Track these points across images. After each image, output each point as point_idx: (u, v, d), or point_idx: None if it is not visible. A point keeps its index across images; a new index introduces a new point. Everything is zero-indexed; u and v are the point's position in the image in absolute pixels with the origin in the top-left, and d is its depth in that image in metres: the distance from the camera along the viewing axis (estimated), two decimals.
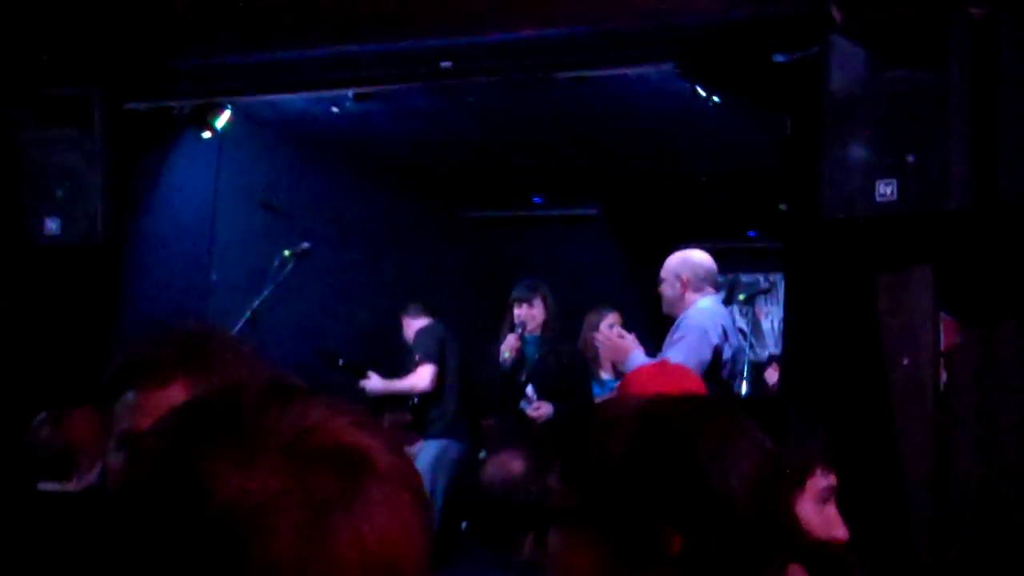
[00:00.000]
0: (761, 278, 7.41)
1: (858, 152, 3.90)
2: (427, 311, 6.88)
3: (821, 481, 1.93)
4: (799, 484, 1.89)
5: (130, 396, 1.66)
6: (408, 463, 0.89)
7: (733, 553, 1.33)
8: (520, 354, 6.01)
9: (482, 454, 5.78)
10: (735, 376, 5.32)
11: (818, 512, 1.92)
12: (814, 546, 1.94)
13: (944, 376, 4.09)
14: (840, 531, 1.94)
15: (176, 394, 1.62)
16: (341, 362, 6.58)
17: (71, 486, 3.70)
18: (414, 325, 6.82)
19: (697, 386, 3.50)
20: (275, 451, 0.82)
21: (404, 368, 6.68)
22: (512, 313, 6.10)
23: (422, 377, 6.56)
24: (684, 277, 5.23)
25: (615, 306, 6.56)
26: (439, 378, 6.57)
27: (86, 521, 3.53)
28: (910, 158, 3.81)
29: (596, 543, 1.35)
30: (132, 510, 0.84)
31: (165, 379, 1.64)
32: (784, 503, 1.42)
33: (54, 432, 3.73)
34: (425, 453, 6.46)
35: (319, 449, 0.83)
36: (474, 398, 6.54)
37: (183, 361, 1.66)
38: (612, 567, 1.34)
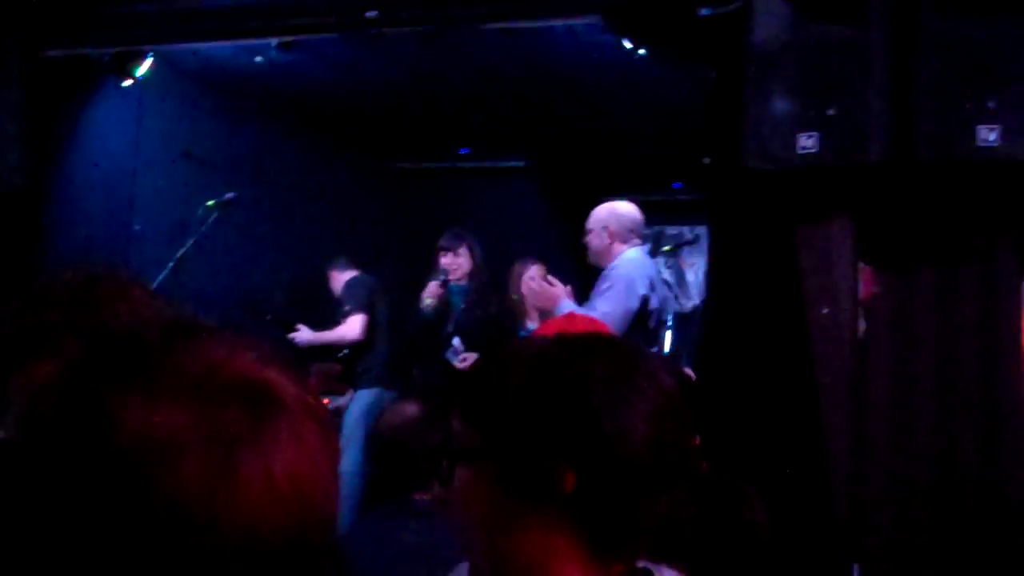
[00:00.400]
0: (686, 230, 7.48)
1: (780, 105, 3.93)
2: (354, 264, 6.86)
3: None
4: None
5: (22, 377, 1.49)
6: (315, 396, 0.89)
7: (626, 492, 1.34)
8: (446, 304, 6.03)
9: None
10: (661, 327, 5.40)
11: None
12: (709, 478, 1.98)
13: (863, 324, 4.17)
14: None
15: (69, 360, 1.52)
16: (269, 317, 6.55)
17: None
18: (341, 278, 6.79)
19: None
20: (181, 386, 0.81)
21: (332, 320, 6.66)
22: (438, 262, 6.11)
23: (352, 327, 6.54)
24: (611, 228, 5.29)
25: (541, 258, 6.59)
26: (369, 328, 6.56)
27: None
28: (831, 111, 3.85)
29: (494, 480, 1.36)
30: (34, 446, 0.82)
31: (54, 347, 1.44)
32: (681, 441, 1.40)
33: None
34: (356, 403, 6.46)
35: (225, 384, 0.83)
36: (403, 348, 6.55)
37: (72, 321, 1.51)
38: (510, 504, 1.35)
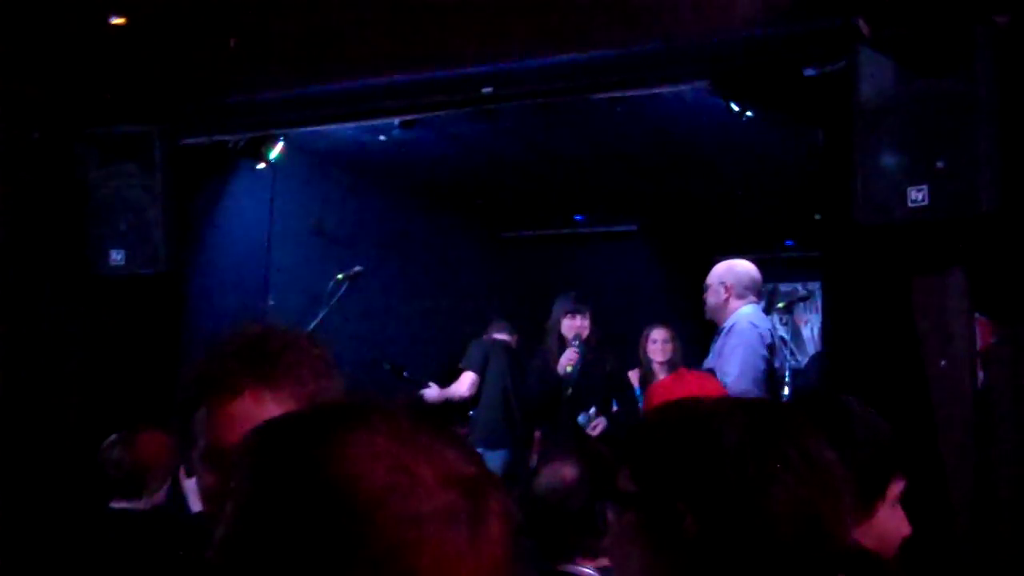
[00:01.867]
0: (799, 287, 7.49)
1: (889, 160, 3.98)
2: (508, 327, 7.07)
3: (896, 488, 1.93)
4: (880, 494, 1.89)
5: (203, 412, 1.67)
6: (502, 484, 0.99)
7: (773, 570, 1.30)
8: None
9: (533, 463, 5.91)
10: (779, 383, 5.44)
11: (892, 515, 1.92)
12: (861, 559, 1.85)
13: (981, 375, 4.15)
14: (907, 529, 1.94)
15: (248, 401, 1.65)
16: (406, 374, 6.82)
17: (141, 504, 3.87)
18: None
19: (716, 389, 3.66)
20: (431, 466, 0.91)
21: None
22: (562, 325, 6.24)
23: (461, 384, 6.79)
24: (728, 284, 5.35)
25: (663, 321, 6.70)
26: (478, 387, 6.75)
27: (155, 537, 3.69)
28: (940, 164, 3.87)
29: (636, 527, 1.38)
30: (258, 492, 0.90)
31: (234, 389, 1.66)
32: (833, 524, 1.33)
33: (125, 453, 3.87)
34: None
35: (457, 474, 0.93)
36: (521, 409, 6.68)
37: (249, 368, 1.68)
38: (645, 549, 1.36)
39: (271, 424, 0.98)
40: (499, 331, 7.05)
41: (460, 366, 6.83)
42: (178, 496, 3.79)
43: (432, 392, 6.85)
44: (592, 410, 5.99)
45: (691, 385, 3.55)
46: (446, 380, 6.94)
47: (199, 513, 3.73)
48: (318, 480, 0.88)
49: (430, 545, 0.87)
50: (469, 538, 0.90)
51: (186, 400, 1.70)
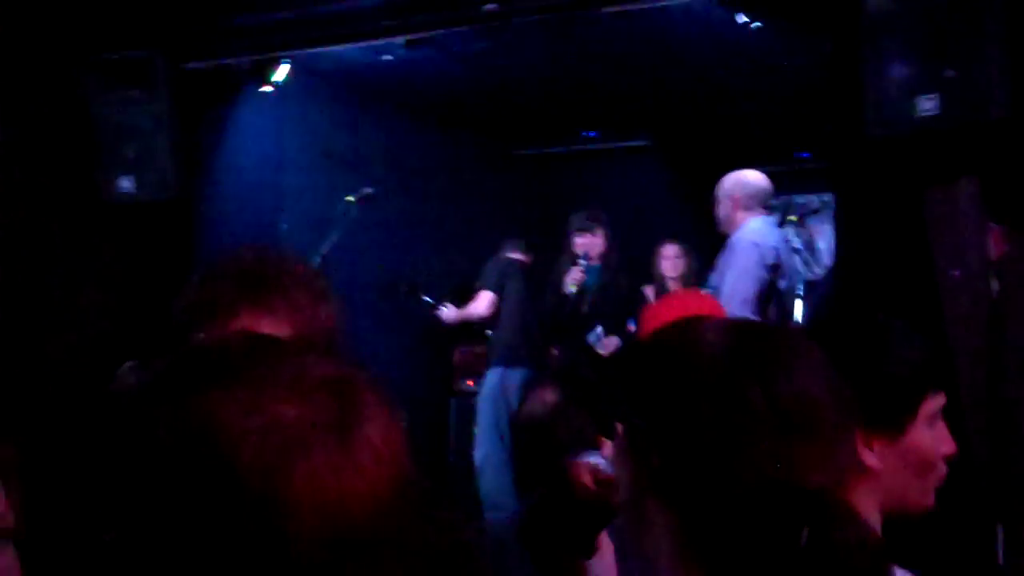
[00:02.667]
0: (815, 198, 7.44)
1: (898, 69, 3.93)
2: (523, 245, 7.08)
3: (932, 404, 1.86)
4: (911, 412, 1.83)
5: (200, 337, 1.67)
6: (381, 385, 0.96)
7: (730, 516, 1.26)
8: (582, 284, 6.17)
9: None
10: (791, 296, 5.42)
11: (928, 433, 1.85)
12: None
13: (996, 284, 4.13)
14: (949, 446, 1.87)
15: (245, 325, 1.66)
16: (424, 297, 6.84)
17: None
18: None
19: (713, 307, 3.65)
20: (282, 389, 0.89)
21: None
22: (573, 243, 6.23)
23: (480, 304, 6.76)
24: (736, 196, 5.32)
25: (673, 236, 6.68)
26: (497, 306, 6.76)
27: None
28: (950, 72, 3.83)
29: (633, 457, 1.33)
30: (151, 471, 0.87)
31: (228, 313, 1.67)
32: (803, 472, 1.25)
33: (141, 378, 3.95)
34: (484, 386, 6.64)
35: (316, 382, 0.90)
36: (537, 328, 6.70)
37: (244, 291, 1.70)
38: (640, 478, 1.32)
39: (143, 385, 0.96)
40: (514, 250, 7.04)
41: (477, 285, 6.83)
42: None
43: (450, 313, 6.87)
44: (599, 329, 5.99)
45: (677, 308, 3.54)
46: (463, 299, 6.96)
47: None
48: (181, 444, 0.87)
49: (297, 467, 0.85)
50: (338, 442, 0.87)
51: (181, 324, 1.71)
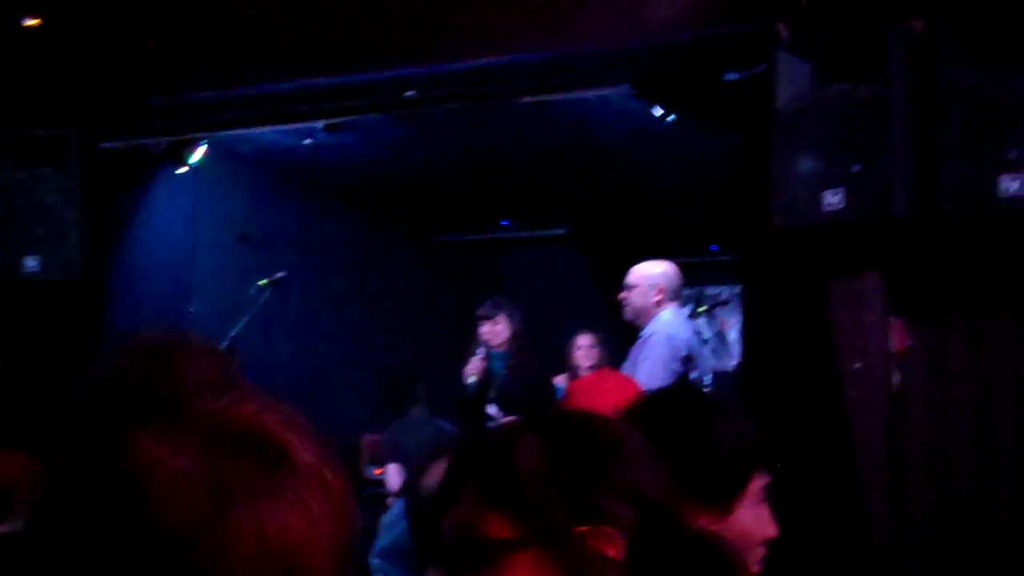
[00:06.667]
0: (725, 291, 7.56)
1: (806, 164, 4.00)
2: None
3: (759, 483, 1.91)
4: (740, 490, 1.88)
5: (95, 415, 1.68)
6: (331, 466, 0.89)
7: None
8: (487, 374, 6.12)
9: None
10: (700, 387, 5.45)
11: (754, 513, 1.91)
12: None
13: (897, 377, 4.19)
14: (772, 530, 1.92)
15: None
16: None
17: (3, 528, 3.79)
18: None
19: (633, 394, 3.67)
20: (197, 432, 0.84)
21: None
22: (478, 331, 6.21)
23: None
24: (660, 287, 5.35)
25: (589, 325, 6.70)
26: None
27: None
28: (856, 168, 3.90)
29: (539, 565, 1.31)
30: (59, 476, 0.88)
31: (128, 392, 1.59)
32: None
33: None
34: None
35: (239, 437, 0.85)
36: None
37: (143, 371, 1.66)
38: None
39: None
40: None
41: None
42: None
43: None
44: (492, 410, 5.94)
45: (609, 385, 3.57)
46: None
47: None
48: (95, 485, 0.85)
49: (162, 510, 0.81)
50: (215, 509, 0.82)
51: (82, 403, 1.71)
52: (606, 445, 1.37)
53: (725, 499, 1.85)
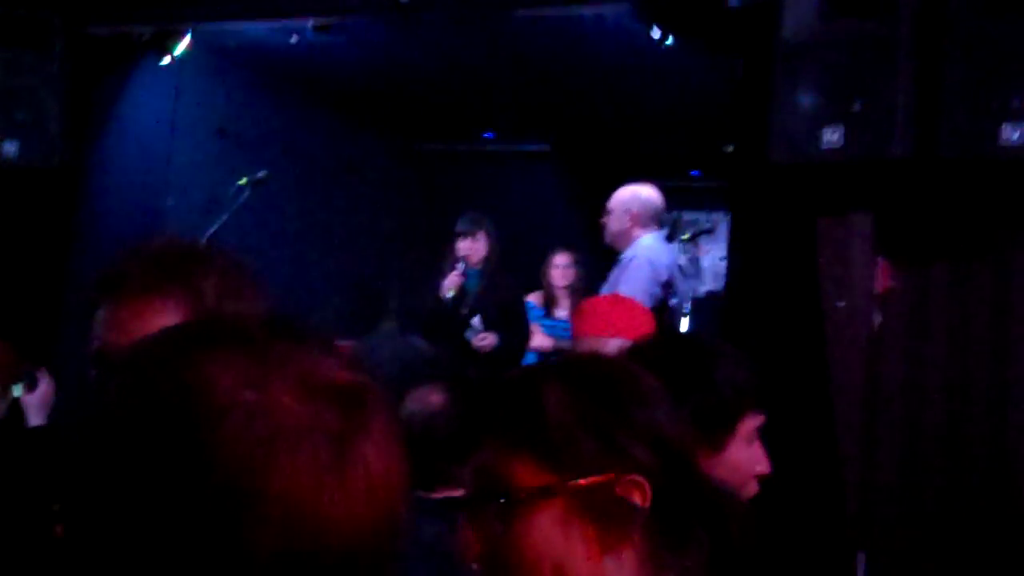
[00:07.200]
0: (703, 217, 7.55)
1: (806, 98, 3.97)
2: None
3: (751, 423, 2.00)
4: (731, 428, 1.98)
5: (100, 312, 1.62)
6: (394, 400, 0.93)
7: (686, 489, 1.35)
8: (462, 288, 6.10)
9: None
10: (679, 313, 5.48)
11: (745, 451, 1.99)
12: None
13: (878, 318, 4.22)
14: (764, 466, 2.01)
15: (148, 309, 1.58)
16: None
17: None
18: None
19: (647, 319, 3.68)
20: (290, 378, 0.82)
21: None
22: (455, 246, 6.17)
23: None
24: (634, 211, 5.33)
25: (566, 244, 6.68)
26: None
27: None
28: (857, 106, 3.88)
29: (568, 514, 1.31)
30: (124, 426, 0.81)
31: (134, 293, 1.60)
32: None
33: None
34: None
35: (328, 384, 0.84)
36: (422, 334, 6.65)
37: (153, 275, 1.62)
38: (588, 535, 1.30)
39: (141, 342, 0.90)
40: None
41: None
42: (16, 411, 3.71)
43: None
44: (475, 321, 5.94)
45: (624, 307, 3.64)
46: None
47: (37, 427, 3.70)
48: (160, 402, 0.80)
49: (281, 468, 0.78)
50: (334, 458, 0.81)
51: (87, 300, 1.66)
52: (630, 390, 1.38)
53: (717, 437, 1.96)
